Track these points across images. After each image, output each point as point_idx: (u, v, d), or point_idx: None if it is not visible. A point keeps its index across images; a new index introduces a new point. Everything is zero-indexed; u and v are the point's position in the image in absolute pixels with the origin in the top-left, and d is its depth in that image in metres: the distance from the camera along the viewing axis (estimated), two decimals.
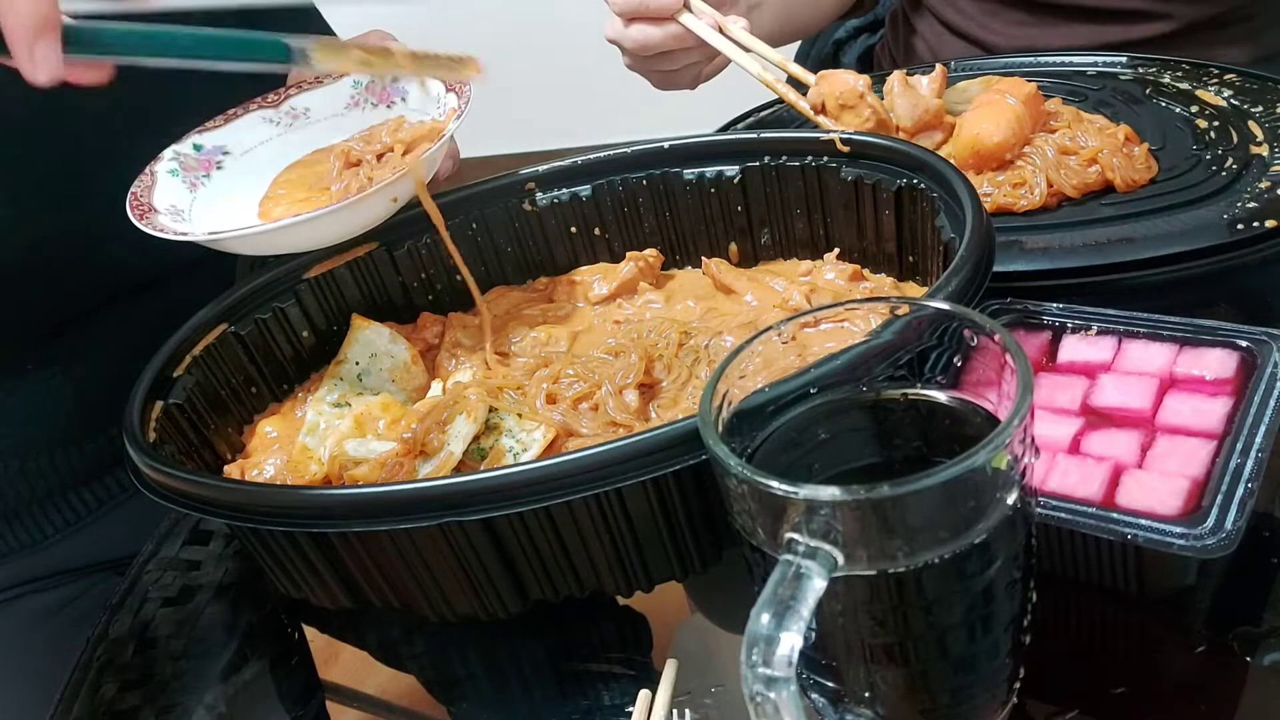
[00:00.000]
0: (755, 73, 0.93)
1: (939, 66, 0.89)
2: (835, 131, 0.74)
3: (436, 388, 0.71)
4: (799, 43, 1.33)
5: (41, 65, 0.53)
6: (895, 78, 0.87)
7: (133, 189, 0.74)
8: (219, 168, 0.80)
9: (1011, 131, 0.81)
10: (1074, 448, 0.55)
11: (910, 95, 0.86)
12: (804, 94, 0.89)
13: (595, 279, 0.80)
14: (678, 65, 1.00)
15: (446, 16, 2.69)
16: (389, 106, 0.83)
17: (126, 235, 0.70)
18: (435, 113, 0.78)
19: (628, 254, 0.79)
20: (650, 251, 0.80)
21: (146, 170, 0.77)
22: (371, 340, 0.73)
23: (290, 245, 0.72)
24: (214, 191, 0.78)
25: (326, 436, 0.65)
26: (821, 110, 0.88)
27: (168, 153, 0.78)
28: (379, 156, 0.76)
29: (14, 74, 0.56)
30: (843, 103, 0.85)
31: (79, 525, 0.94)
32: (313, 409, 0.68)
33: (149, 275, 0.59)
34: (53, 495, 0.93)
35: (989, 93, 0.85)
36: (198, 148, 0.80)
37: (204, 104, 0.81)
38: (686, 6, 0.95)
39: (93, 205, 0.82)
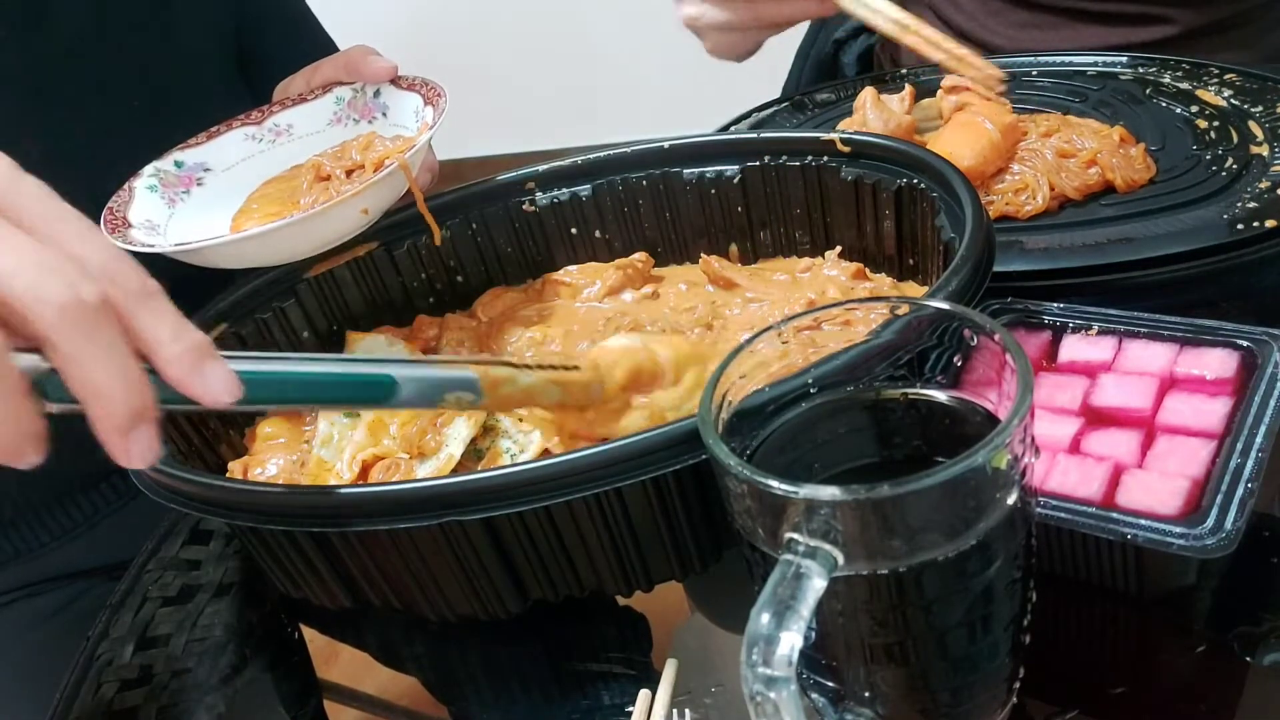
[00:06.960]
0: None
1: (908, 86, 0.90)
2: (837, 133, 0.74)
3: None
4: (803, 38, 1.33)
5: (136, 454, 0.49)
6: (867, 94, 0.87)
7: (109, 204, 0.74)
8: (199, 184, 0.80)
9: (982, 159, 0.80)
10: (1074, 448, 0.55)
11: (882, 110, 0.86)
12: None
13: (584, 283, 0.80)
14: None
15: (447, 16, 2.70)
16: (370, 122, 0.83)
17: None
18: (414, 126, 0.78)
19: (614, 261, 0.80)
20: (639, 256, 0.80)
21: (125, 186, 0.76)
22: (370, 347, 0.73)
23: (262, 258, 0.72)
24: (193, 207, 0.78)
25: (342, 448, 0.65)
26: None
27: (148, 169, 0.78)
28: (349, 172, 0.76)
29: None
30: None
31: (75, 533, 0.94)
32: (323, 419, 0.67)
33: None
34: (49, 503, 0.93)
35: (968, 112, 0.84)
36: (179, 164, 0.80)
37: (191, 123, 0.81)
38: None
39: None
